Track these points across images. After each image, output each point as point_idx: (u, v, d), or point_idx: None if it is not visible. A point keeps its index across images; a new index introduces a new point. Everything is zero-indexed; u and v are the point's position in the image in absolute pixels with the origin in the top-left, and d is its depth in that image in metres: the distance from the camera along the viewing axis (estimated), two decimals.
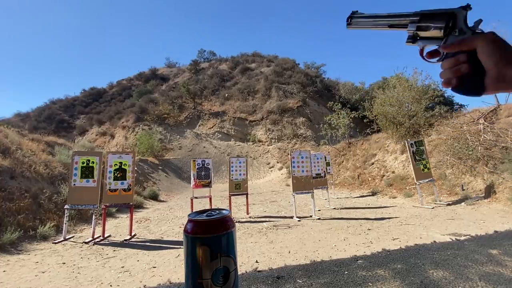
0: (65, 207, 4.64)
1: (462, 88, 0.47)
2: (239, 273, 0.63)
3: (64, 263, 3.45)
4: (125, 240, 4.49)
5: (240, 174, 6.82)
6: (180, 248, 3.91)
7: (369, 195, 8.75)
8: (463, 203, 6.15)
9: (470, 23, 0.48)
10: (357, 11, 0.56)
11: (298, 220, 5.50)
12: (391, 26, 0.54)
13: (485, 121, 7.91)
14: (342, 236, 4.20)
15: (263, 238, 4.28)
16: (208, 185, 6.74)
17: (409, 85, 10.52)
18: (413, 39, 0.52)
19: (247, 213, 6.42)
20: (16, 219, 4.54)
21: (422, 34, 0.51)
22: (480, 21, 0.47)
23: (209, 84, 27.53)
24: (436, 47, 0.51)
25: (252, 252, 3.58)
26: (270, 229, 4.90)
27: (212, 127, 21.84)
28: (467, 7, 0.47)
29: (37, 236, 4.47)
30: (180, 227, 5.34)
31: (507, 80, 0.43)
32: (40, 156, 6.93)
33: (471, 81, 0.45)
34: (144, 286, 2.70)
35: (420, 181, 6.71)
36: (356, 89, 25.81)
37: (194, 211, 0.71)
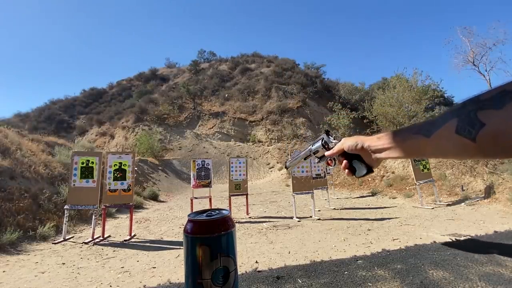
0: (64, 207, 4.63)
1: (354, 174, 0.66)
2: (239, 273, 0.63)
3: (63, 264, 3.45)
4: (125, 240, 4.48)
5: (240, 175, 6.81)
6: (180, 248, 3.91)
7: (369, 196, 8.74)
8: (463, 204, 6.15)
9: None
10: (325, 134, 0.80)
11: (298, 221, 5.50)
12: (305, 159, 0.86)
13: None
14: (342, 236, 4.20)
15: (263, 239, 4.27)
16: (208, 185, 6.73)
17: (409, 86, 10.51)
18: (319, 159, 0.81)
19: (247, 214, 6.41)
20: (16, 220, 4.54)
21: (317, 154, 0.80)
22: (328, 132, 0.77)
23: (209, 85, 27.54)
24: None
25: (252, 252, 3.58)
26: (270, 229, 4.90)
27: (212, 128, 21.84)
28: (327, 132, 0.77)
29: (36, 236, 4.46)
30: (180, 227, 5.34)
31: (376, 150, 0.56)
32: (40, 156, 6.92)
33: (353, 167, 0.64)
34: (144, 286, 2.69)
35: (420, 182, 6.70)
36: (356, 90, 25.80)
37: (194, 211, 0.71)
